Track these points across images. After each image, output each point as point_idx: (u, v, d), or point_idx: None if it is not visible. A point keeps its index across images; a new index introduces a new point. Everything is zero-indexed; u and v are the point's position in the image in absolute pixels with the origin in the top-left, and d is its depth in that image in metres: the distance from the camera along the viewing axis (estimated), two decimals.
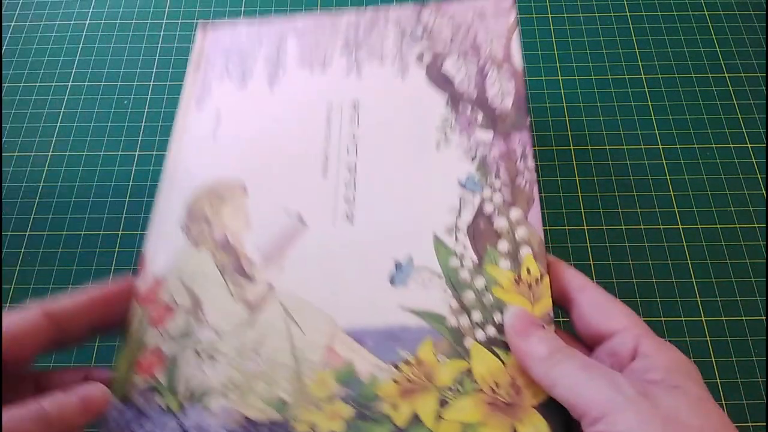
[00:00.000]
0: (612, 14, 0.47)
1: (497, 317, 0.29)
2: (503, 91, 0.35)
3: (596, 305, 0.27)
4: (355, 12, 0.40)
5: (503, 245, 0.31)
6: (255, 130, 0.36)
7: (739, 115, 0.42)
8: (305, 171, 0.34)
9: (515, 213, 0.31)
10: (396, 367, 0.28)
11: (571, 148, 0.41)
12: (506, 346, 0.28)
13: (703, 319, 0.36)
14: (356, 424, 0.27)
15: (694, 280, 0.37)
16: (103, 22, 0.47)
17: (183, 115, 0.38)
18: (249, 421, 0.28)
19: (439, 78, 0.36)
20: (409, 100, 0.36)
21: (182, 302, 0.31)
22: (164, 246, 0.33)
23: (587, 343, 0.27)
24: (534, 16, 0.47)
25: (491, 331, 0.29)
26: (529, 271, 0.30)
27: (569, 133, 0.42)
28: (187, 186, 0.35)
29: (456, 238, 0.31)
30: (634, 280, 0.37)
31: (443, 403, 0.27)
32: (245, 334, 0.30)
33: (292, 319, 0.30)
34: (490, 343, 0.28)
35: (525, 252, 0.30)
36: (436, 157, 0.34)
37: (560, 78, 0.44)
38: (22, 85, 0.45)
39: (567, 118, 0.42)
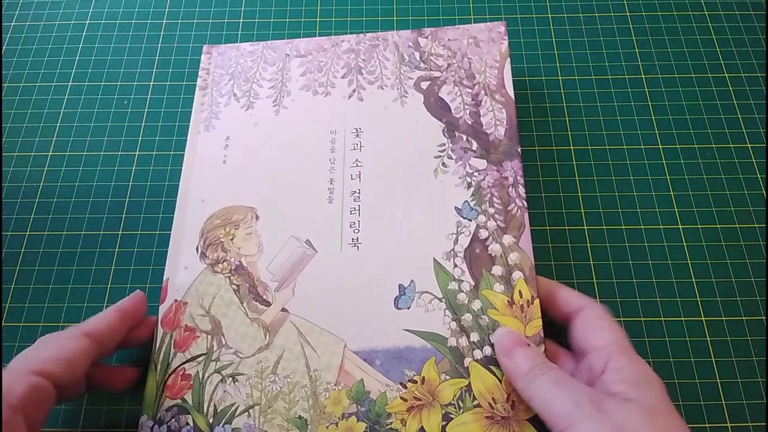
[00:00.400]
0: (612, 14, 0.47)
1: (493, 338, 0.31)
2: (496, 120, 0.37)
3: (586, 325, 0.30)
4: (355, 37, 0.41)
5: (497, 269, 0.33)
6: (263, 155, 0.38)
7: (739, 115, 0.42)
8: (312, 197, 0.36)
9: (508, 239, 0.33)
10: (403, 385, 0.31)
11: (571, 148, 0.41)
12: None
13: (703, 319, 0.36)
14: None
15: (694, 280, 0.37)
16: (103, 22, 0.47)
17: (193, 137, 0.39)
18: None
19: (436, 105, 0.38)
20: (408, 127, 0.38)
21: (204, 326, 0.33)
22: (183, 272, 0.34)
23: (577, 356, 0.30)
24: (534, 16, 0.47)
25: (488, 350, 0.31)
26: (521, 294, 0.32)
27: (569, 133, 0.42)
28: (201, 213, 0.36)
29: (454, 263, 0.33)
30: (634, 280, 0.37)
31: (447, 417, 0.30)
32: (263, 355, 0.32)
33: (306, 341, 0.32)
34: (487, 362, 0.31)
35: (517, 276, 0.32)
36: (434, 183, 0.36)
37: (560, 78, 0.44)
38: (22, 85, 0.45)
39: (567, 118, 0.42)
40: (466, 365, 0.31)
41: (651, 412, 0.25)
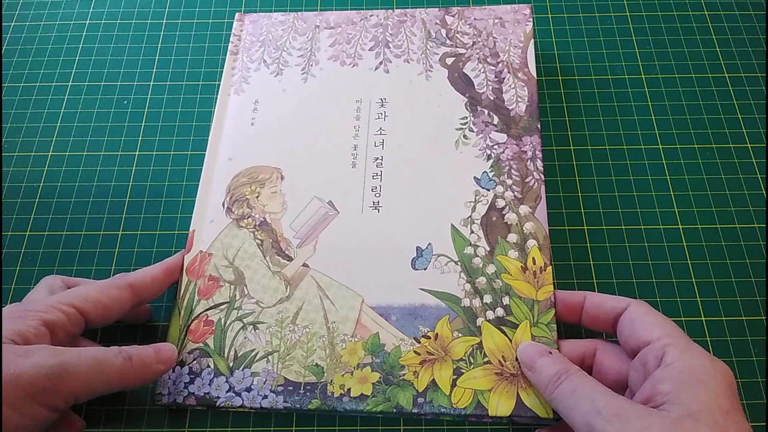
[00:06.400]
0: (612, 14, 0.47)
1: (505, 300, 0.33)
2: (518, 97, 0.39)
3: (634, 322, 0.29)
4: (383, 12, 0.43)
5: (512, 237, 0.35)
6: (290, 119, 0.40)
7: (739, 115, 0.42)
8: (336, 161, 0.38)
9: (524, 209, 0.35)
10: (417, 340, 0.32)
11: (571, 148, 0.41)
12: (512, 325, 0.32)
13: (703, 319, 0.36)
14: (383, 388, 0.31)
15: (694, 280, 0.37)
16: (103, 22, 0.47)
17: (223, 99, 0.41)
18: (289, 383, 0.32)
19: (460, 80, 0.40)
20: (432, 100, 0.39)
21: (228, 276, 0.35)
22: (209, 225, 0.36)
23: (631, 354, 0.29)
24: (534, 16, 0.47)
25: (500, 312, 0.33)
26: (534, 261, 0.34)
27: (569, 133, 0.42)
28: (228, 170, 0.38)
29: (471, 230, 0.35)
30: (634, 280, 0.37)
31: (458, 372, 0.31)
32: (284, 306, 0.34)
33: (325, 295, 0.34)
34: (498, 323, 0.32)
35: (531, 244, 0.34)
36: (455, 154, 0.37)
37: (560, 78, 0.44)
38: (22, 85, 0.45)
39: (567, 118, 0.42)
40: (478, 324, 0.32)
41: (676, 422, 0.24)
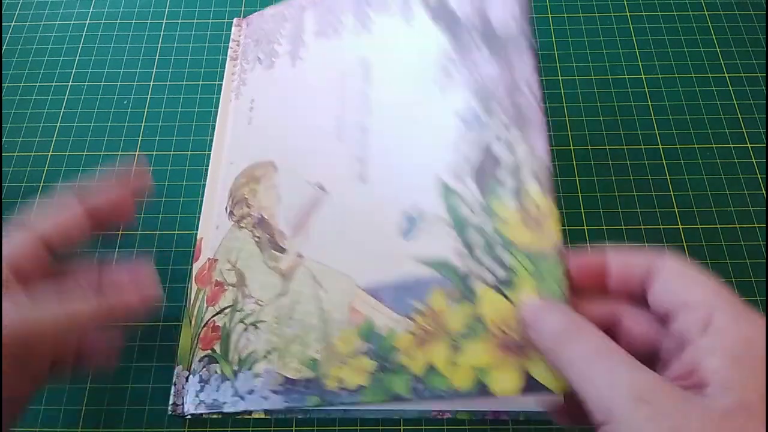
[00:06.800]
0: (612, 14, 0.47)
1: (505, 258, 0.27)
2: (506, 14, 0.33)
3: (671, 280, 0.23)
4: None
5: (509, 181, 0.29)
6: (281, 109, 0.38)
7: (739, 115, 0.42)
8: (323, 138, 0.36)
9: (521, 147, 0.29)
10: (410, 318, 0.29)
11: (571, 148, 0.41)
12: (515, 286, 0.27)
13: None
14: (378, 376, 0.28)
15: None
16: (103, 22, 0.47)
17: (224, 105, 0.40)
18: (288, 381, 0.30)
19: (442, 15, 0.35)
20: (415, 45, 0.35)
21: (231, 280, 0.34)
22: (214, 231, 0.36)
23: (664, 321, 0.23)
24: (534, 16, 0.47)
25: (501, 273, 0.27)
26: (537, 206, 0.28)
27: (569, 133, 0.42)
28: (230, 175, 0.37)
29: (463, 183, 0.30)
30: None
31: (456, 349, 0.27)
32: (281, 301, 0.32)
33: (319, 283, 0.32)
34: (498, 284, 0.27)
35: (532, 187, 0.28)
36: (440, 98, 0.33)
37: (560, 78, 0.44)
38: (22, 85, 0.45)
39: (567, 118, 0.42)
40: (475, 290, 0.28)
41: (726, 418, 0.18)
